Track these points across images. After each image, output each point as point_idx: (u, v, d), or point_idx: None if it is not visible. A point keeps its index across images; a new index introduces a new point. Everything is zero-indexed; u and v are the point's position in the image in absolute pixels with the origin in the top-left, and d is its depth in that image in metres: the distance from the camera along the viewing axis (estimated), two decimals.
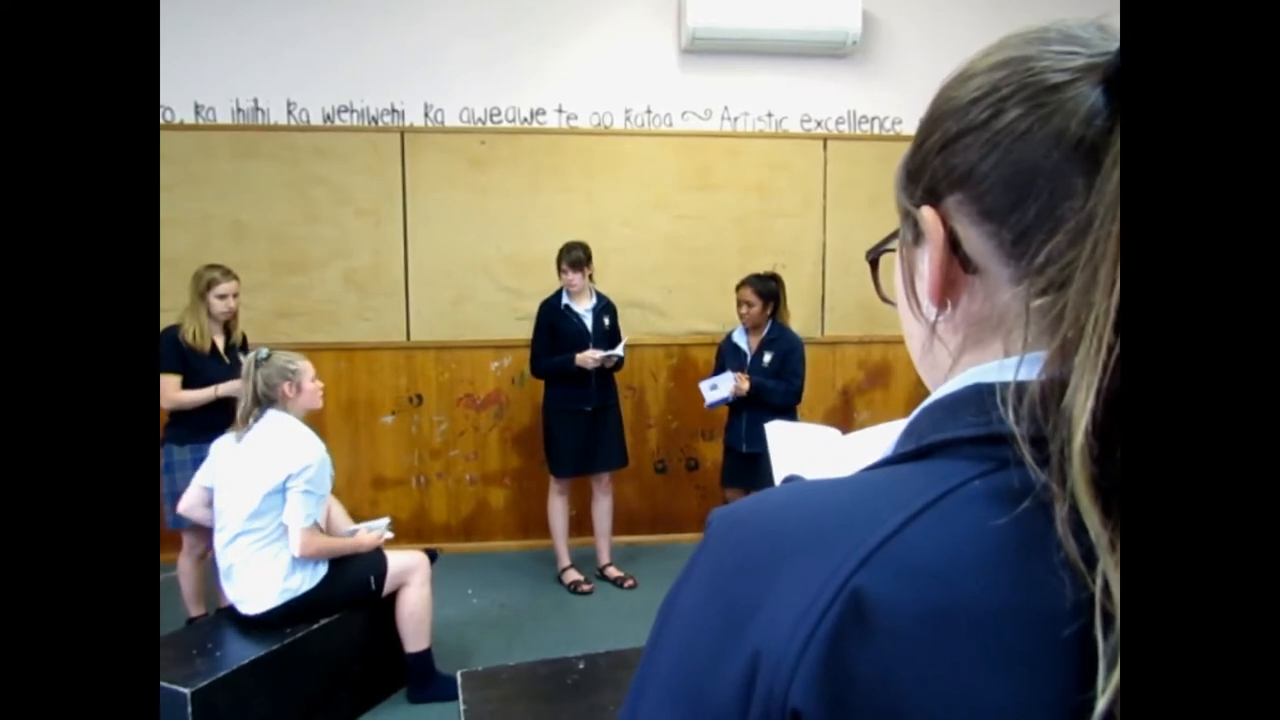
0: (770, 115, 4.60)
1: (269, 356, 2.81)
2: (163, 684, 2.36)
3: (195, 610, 3.33)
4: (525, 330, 4.09)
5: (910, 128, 4.91)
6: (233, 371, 3.25)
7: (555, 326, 3.86)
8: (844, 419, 4.77)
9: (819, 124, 4.63)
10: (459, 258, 4.42)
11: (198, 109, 4.20)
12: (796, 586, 0.38)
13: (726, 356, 3.94)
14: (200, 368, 3.24)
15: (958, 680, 0.35)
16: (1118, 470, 0.34)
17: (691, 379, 4.65)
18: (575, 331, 3.85)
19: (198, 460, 3.03)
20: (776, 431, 1.19)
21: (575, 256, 3.82)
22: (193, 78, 4.15)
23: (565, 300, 3.89)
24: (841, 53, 4.51)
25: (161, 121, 4.12)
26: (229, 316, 3.34)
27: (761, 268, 3.94)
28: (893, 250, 0.53)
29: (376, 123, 4.33)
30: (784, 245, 4.63)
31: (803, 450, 1.14)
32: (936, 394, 0.46)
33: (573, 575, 4.00)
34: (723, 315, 4.62)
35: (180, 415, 3.24)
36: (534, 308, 3.97)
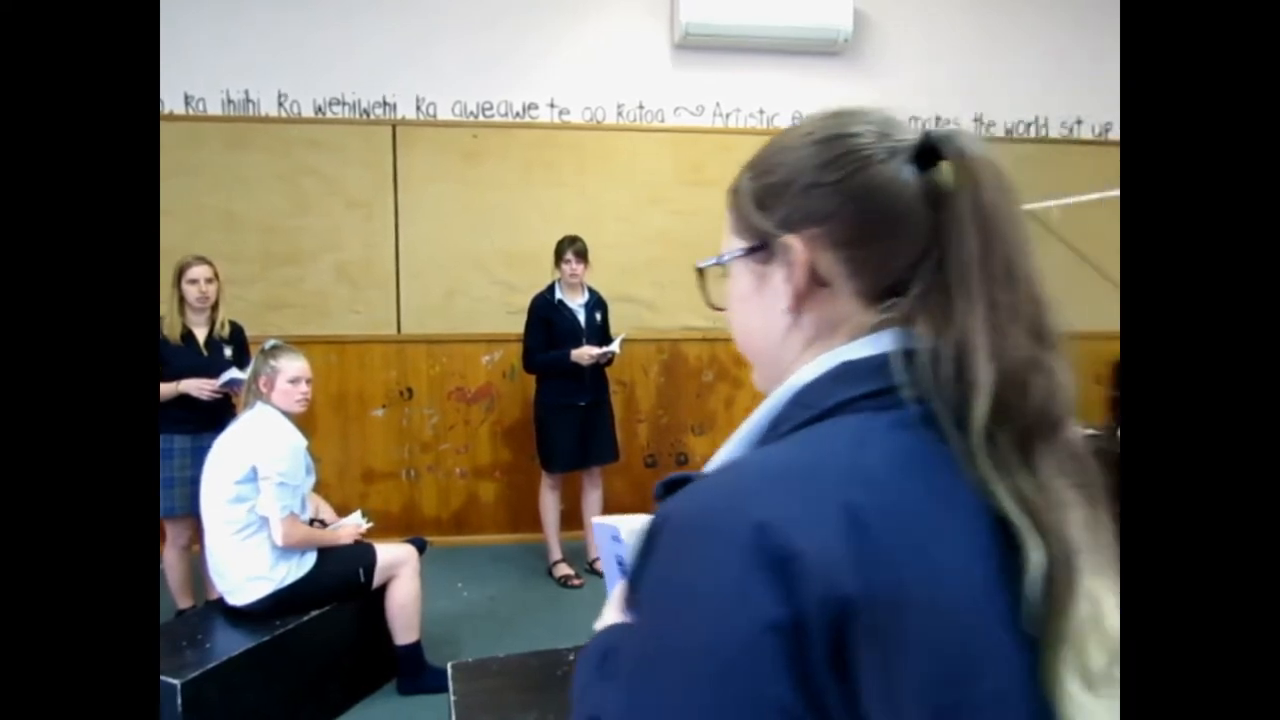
0: (762, 112, 4.60)
1: (273, 349, 2.82)
2: None
3: (183, 602, 3.32)
4: (517, 324, 4.09)
5: None
6: (210, 363, 3.20)
7: (549, 321, 3.86)
8: None
9: None
10: (450, 251, 4.42)
11: (188, 100, 4.18)
12: (796, 512, 0.49)
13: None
14: (169, 359, 3.11)
15: (931, 553, 0.49)
16: (1003, 419, 0.52)
17: (683, 374, 4.67)
18: (569, 327, 3.85)
19: (169, 450, 3.08)
20: (617, 526, 1.16)
21: (581, 246, 3.83)
22: (183, 69, 4.13)
23: (559, 295, 3.89)
24: (833, 50, 4.52)
25: None
26: (204, 303, 3.19)
27: None
28: (722, 265, 0.68)
29: (368, 115, 4.32)
30: None
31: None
32: (801, 378, 0.59)
33: (564, 569, 4.01)
34: (715, 312, 4.63)
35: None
36: (526, 302, 3.97)
